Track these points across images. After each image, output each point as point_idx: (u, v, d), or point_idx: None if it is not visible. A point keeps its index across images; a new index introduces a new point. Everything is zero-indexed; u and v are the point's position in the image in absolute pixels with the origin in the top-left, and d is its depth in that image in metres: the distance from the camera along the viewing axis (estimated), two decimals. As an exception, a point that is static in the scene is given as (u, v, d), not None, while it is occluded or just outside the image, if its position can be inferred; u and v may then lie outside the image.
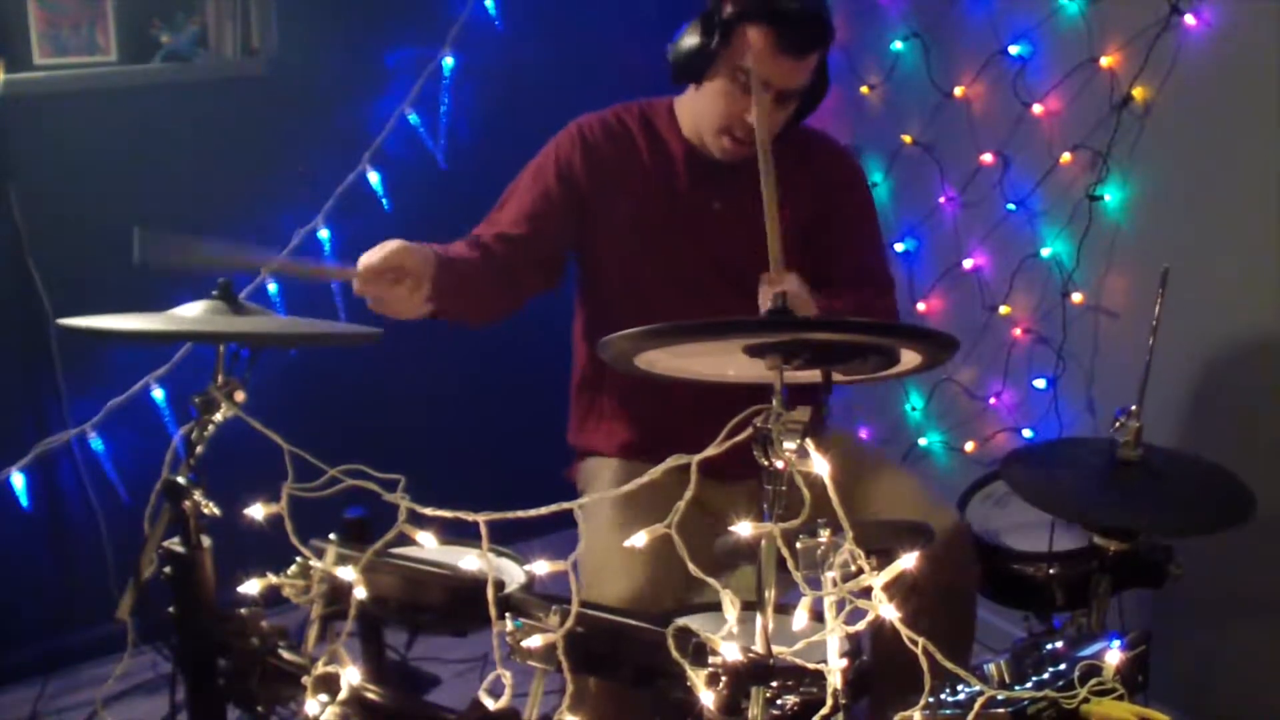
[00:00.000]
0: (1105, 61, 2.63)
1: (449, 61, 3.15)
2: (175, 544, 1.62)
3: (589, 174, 2.26)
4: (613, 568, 1.97)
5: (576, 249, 2.32)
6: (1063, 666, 1.62)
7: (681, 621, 1.42)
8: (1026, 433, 2.95)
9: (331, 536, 1.65)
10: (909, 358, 1.43)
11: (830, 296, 2.14)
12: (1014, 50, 2.81)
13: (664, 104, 2.31)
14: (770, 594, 1.37)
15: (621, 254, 2.28)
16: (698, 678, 1.33)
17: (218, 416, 1.62)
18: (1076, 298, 2.78)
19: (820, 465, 1.29)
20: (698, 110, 2.21)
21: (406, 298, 1.96)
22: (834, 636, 1.34)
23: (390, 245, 1.95)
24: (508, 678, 1.40)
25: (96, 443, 2.91)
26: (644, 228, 2.26)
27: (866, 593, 1.28)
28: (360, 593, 1.48)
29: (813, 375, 1.40)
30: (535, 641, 1.42)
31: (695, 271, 2.25)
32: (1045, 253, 2.83)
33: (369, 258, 1.93)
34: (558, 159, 2.28)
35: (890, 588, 1.27)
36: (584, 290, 2.38)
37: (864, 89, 3.20)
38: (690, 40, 2.12)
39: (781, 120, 2.17)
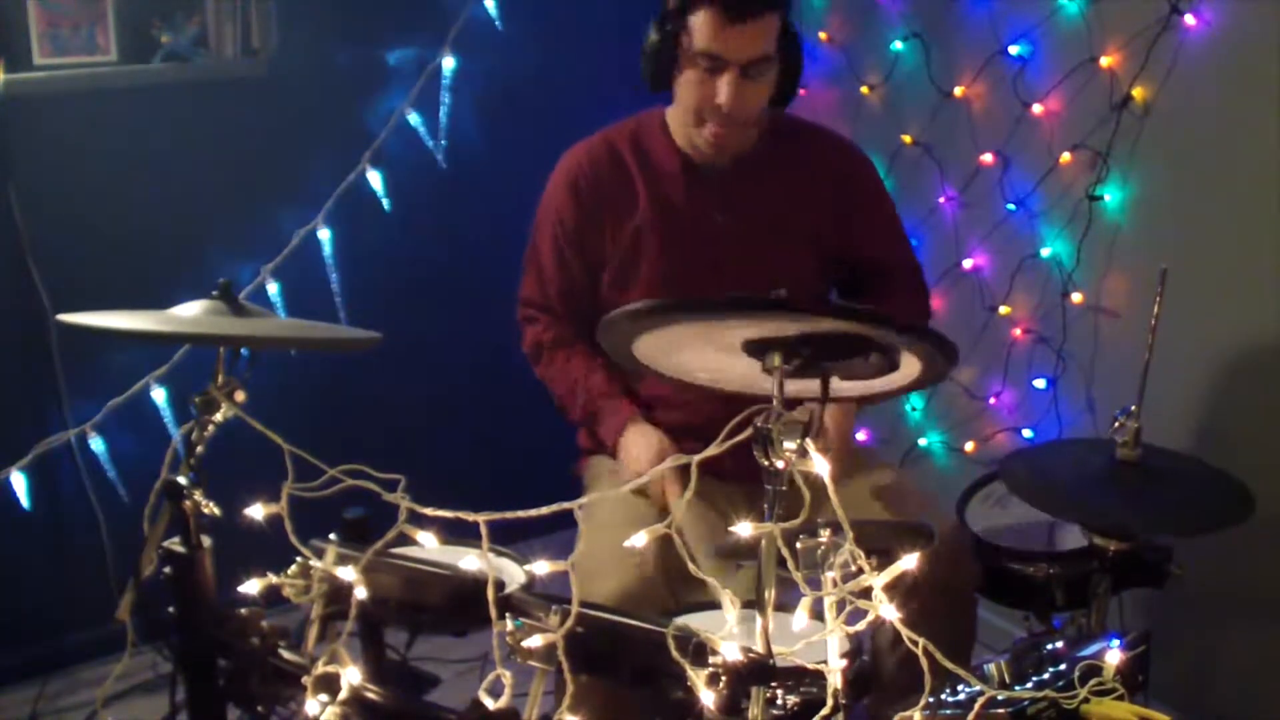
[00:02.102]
0: (1105, 61, 2.63)
1: (449, 62, 3.15)
2: (175, 544, 1.62)
3: (585, 219, 2.28)
4: (606, 565, 1.98)
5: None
6: (1063, 666, 1.62)
7: (681, 621, 1.42)
8: (1026, 433, 2.95)
9: (331, 536, 1.65)
10: (908, 369, 1.41)
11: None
12: (1014, 50, 2.81)
13: (657, 116, 2.29)
14: (770, 594, 1.37)
15: (628, 273, 2.29)
16: (698, 678, 1.33)
17: (218, 416, 1.61)
18: (1076, 298, 2.78)
19: (820, 465, 1.29)
20: (678, 110, 2.21)
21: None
22: (834, 636, 1.34)
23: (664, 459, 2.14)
24: (508, 678, 1.40)
25: (96, 443, 2.91)
26: (647, 248, 2.26)
27: (866, 593, 1.28)
28: (360, 593, 1.48)
29: (811, 387, 1.39)
30: (535, 641, 1.42)
31: (705, 286, 2.25)
32: (1045, 253, 2.83)
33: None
34: (556, 217, 2.30)
35: (890, 588, 1.27)
36: (599, 303, 2.38)
37: (864, 89, 3.20)
38: (650, 46, 2.13)
39: (757, 98, 2.14)
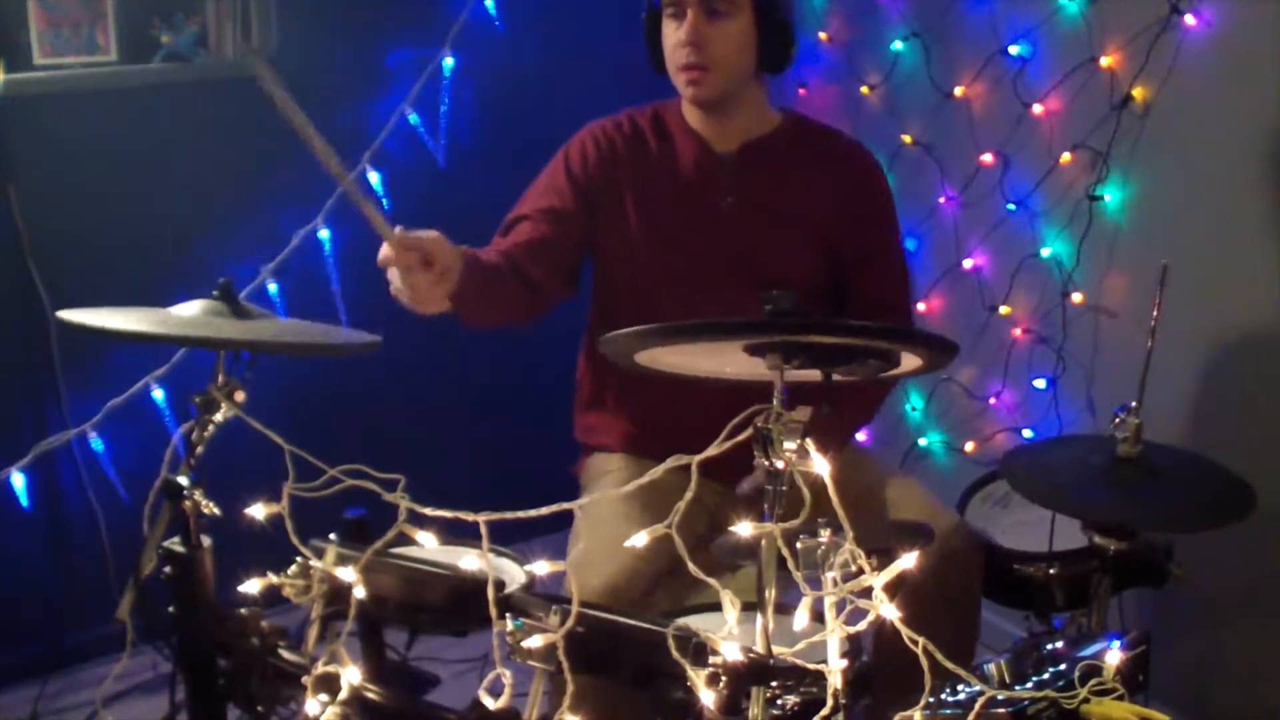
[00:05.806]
0: (1105, 61, 2.63)
1: (449, 61, 3.15)
2: (175, 544, 1.62)
3: (600, 177, 2.27)
4: (597, 562, 1.99)
5: (591, 249, 2.32)
6: (1063, 666, 1.62)
7: (682, 621, 1.42)
8: (1026, 433, 2.95)
9: (331, 536, 1.65)
10: (910, 360, 1.43)
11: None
12: (1014, 50, 2.81)
13: (676, 103, 2.30)
14: (770, 594, 1.37)
15: (632, 252, 2.28)
16: (698, 678, 1.33)
17: (218, 416, 1.62)
18: (1076, 298, 2.78)
19: (820, 465, 1.29)
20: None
21: (430, 287, 1.95)
22: (834, 636, 1.34)
23: (429, 233, 1.97)
24: (508, 678, 1.40)
25: (96, 443, 2.91)
26: (655, 226, 2.26)
27: (866, 593, 1.28)
28: (360, 593, 1.48)
29: (813, 375, 1.40)
30: (535, 641, 1.42)
31: (706, 269, 2.25)
32: (1045, 253, 2.83)
33: (406, 231, 1.94)
34: (568, 164, 2.29)
35: (891, 588, 1.27)
36: (596, 286, 2.37)
37: (864, 89, 3.20)
38: (645, 23, 2.19)
39: (724, 40, 2.12)
